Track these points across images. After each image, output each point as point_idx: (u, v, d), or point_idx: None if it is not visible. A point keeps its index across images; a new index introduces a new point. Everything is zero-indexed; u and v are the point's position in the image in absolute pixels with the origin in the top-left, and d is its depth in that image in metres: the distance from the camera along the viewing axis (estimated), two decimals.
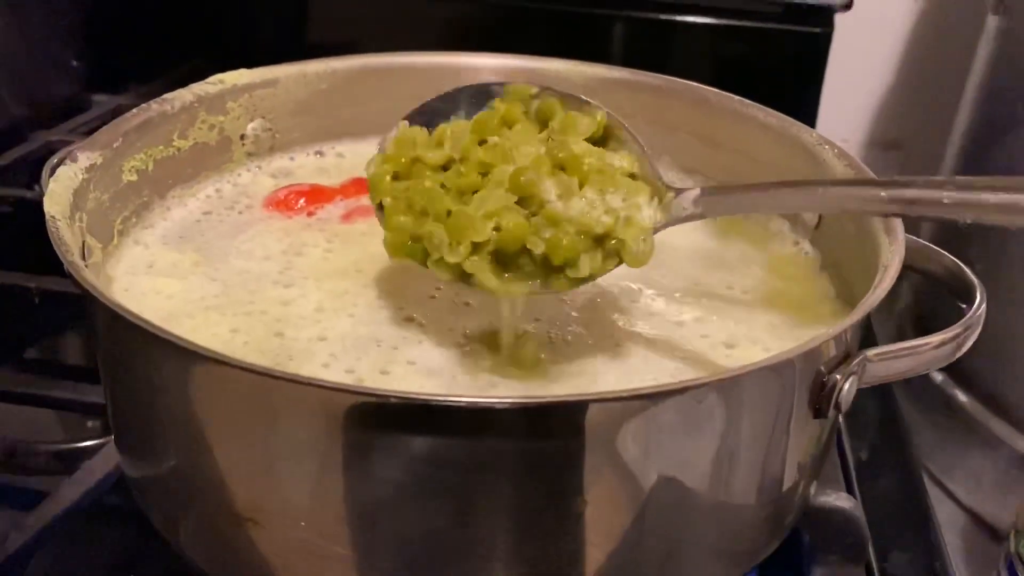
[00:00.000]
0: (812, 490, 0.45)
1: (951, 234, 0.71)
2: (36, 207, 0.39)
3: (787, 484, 0.40)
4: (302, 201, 0.52)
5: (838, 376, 0.37)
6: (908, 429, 0.60)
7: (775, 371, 0.35)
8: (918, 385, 0.77)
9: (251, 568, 0.37)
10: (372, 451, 0.33)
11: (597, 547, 0.36)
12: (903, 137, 0.98)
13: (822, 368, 0.37)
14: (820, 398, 0.37)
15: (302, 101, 0.55)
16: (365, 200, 0.49)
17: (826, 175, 0.49)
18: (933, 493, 0.63)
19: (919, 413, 0.78)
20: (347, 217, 0.52)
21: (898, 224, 0.42)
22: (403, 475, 0.33)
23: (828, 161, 0.49)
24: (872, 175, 0.46)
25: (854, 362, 0.37)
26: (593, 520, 0.35)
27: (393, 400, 0.31)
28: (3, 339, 0.62)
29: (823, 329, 0.37)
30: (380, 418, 0.32)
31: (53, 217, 0.39)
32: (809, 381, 0.37)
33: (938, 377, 0.79)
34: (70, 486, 0.46)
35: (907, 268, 0.44)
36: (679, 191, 0.41)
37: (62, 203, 0.40)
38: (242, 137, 0.54)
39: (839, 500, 0.47)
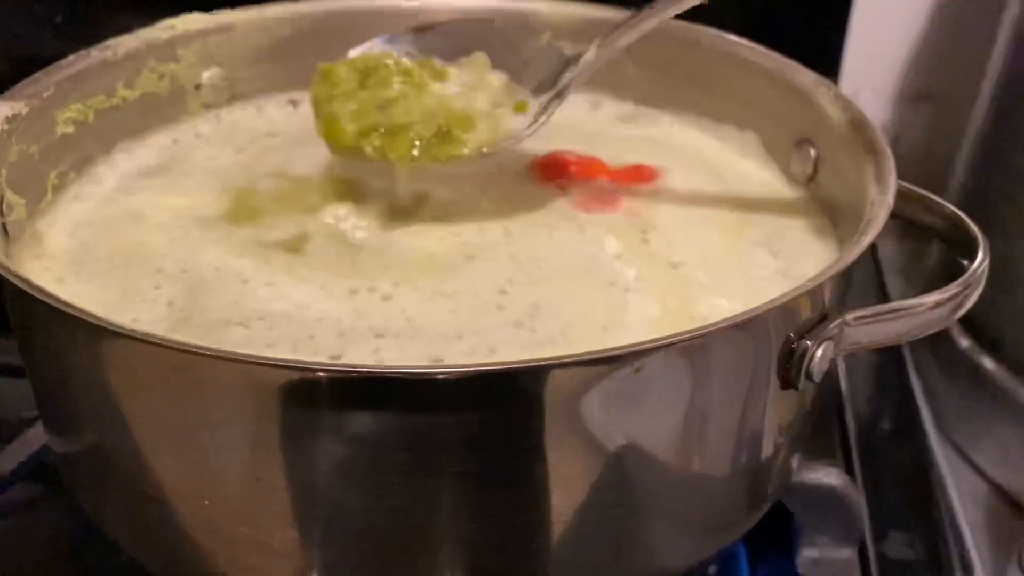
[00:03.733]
0: (795, 463, 0.41)
1: (978, 190, 0.66)
2: None
3: (763, 455, 0.36)
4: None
5: (809, 342, 0.33)
6: (919, 399, 0.55)
7: (742, 330, 0.31)
8: (942, 351, 0.72)
9: (166, 549, 0.34)
10: (286, 428, 0.30)
11: (560, 523, 0.32)
12: (933, 89, 0.92)
13: (791, 334, 0.33)
14: (788, 367, 0.33)
15: (263, 48, 0.52)
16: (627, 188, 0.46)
17: (822, 122, 0.44)
18: (957, 465, 0.59)
19: (943, 380, 0.74)
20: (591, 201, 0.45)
21: (889, 172, 0.37)
22: (326, 455, 0.30)
23: (825, 107, 0.45)
24: (869, 120, 0.42)
25: (830, 326, 0.33)
26: (554, 494, 0.31)
27: (321, 374, 0.28)
28: None
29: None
30: (301, 394, 0.29)
31: None
32: (778, 347, 0.32)
33: (964, 343, 0.74)
34: (6, 456, 0.44)
35: (901, 219, 0.40)
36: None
37: None
38: (197, 87, 0.51)
39: (829, 476, 0.43)
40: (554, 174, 0.47)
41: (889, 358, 0.58)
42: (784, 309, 0.31)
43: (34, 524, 0.46)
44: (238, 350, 0.28)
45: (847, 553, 0.44)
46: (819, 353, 0.33)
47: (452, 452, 0.30)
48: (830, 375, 0.41)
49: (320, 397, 0.28)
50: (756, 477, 0.37)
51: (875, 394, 0.55)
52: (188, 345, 0.28)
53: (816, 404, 0.39)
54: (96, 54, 0.46)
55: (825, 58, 0.75)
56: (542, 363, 0.29)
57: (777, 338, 0.32)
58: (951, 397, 0.75)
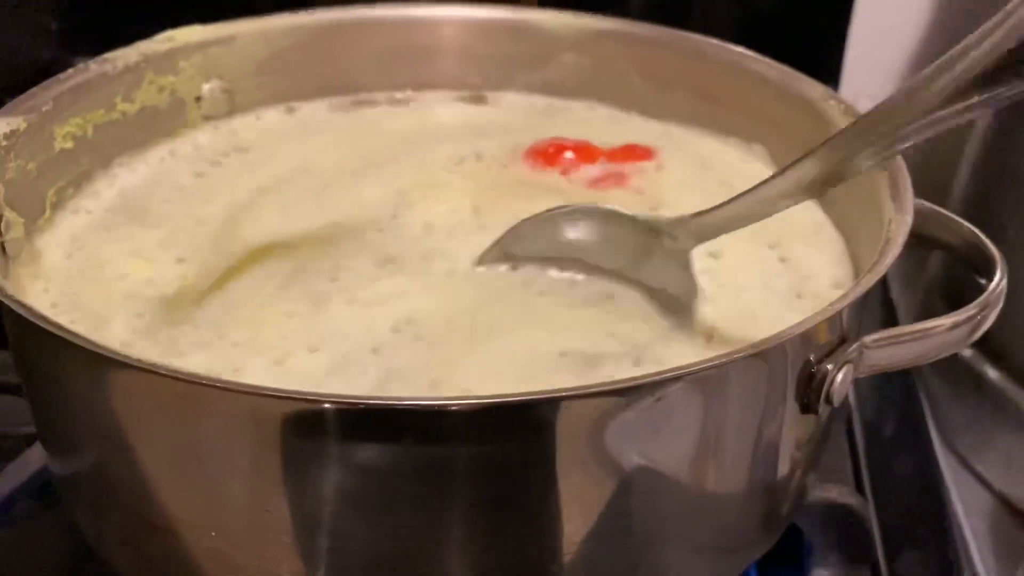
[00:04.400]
0: (809, 483, 0.40)
1: (981, 196, 0.66)
2: None
3: (780, 478, 0.36)
4: (567, 155, 0.47)
5: (829, 366, 0.32)
6: (926, 413, 0.55)
7: (759, 359, 0.31)
8: (945, 360, 0.72)
9: None
10: (295, 460, 0.29)
11: (573, 551, 0.31)
12: None
13: (811, 357, 0.32)
14: (808, 391, 0.32)
15: (263, 60, 0.51)
16: (628, 167, 0.47)
17: (831, 133, 0.44)
18: (961, 476, 0.59)
19: (946, 390, 0.73)
20: (597, 182, 0.46)
21: (906, 189, 0.37)
22: (334, 486, 0.29)
23: (835, 120, 0.44)
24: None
25: (849, 349, 0.33)
26: (563, 528, 0.31)
27: (327, 406, 0.27)
28: None
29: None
30: (307, 426, 0.28)
31: None
32: (797, 372, 0.32)
33: (967, 352, 0.74)
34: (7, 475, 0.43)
35: (918, 238, 0.40)
36: None
37: None
38: (197, 99, 0.50)
39: (841, 495, 0.43)
40: (551, 160, 0.47)
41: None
42: (803, 335, 0.31)
43: (33, 539, 0.46)
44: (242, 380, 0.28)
45: (860, 572, 0.43)
46: (839, 377, 0.32)
47: (465, 483, 0.29)
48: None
49: (328, 429, 0.28)
50: (772, 500, 0.37)
51: (882, 408, 0.54)
52: (193, 376, 0.27)
53: (830, 427, 0.39)
54: (95, 67, 0.45)
55: (825, 66, 0.74)
56: (556, 395, 0.28)
57: (796, 363, 0.32)
58: (954, 407, 0.75)
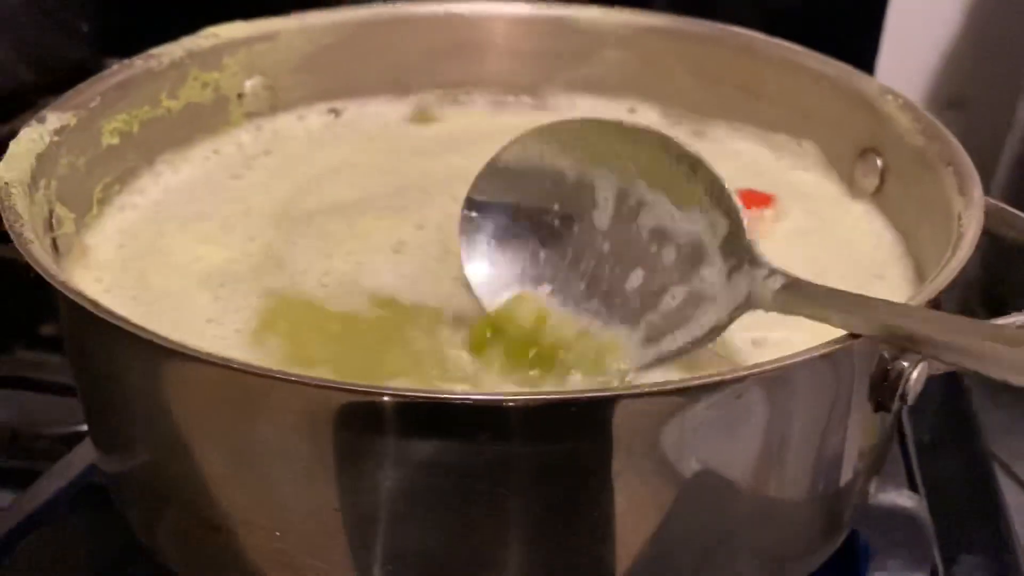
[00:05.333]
0: (872, 488, 0.39)
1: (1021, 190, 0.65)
2: None
3: (842, 485, 0.35)
4: None
5: (906, 363, 0.31)
6: (976, 413, 0.54)
7: (829, 360, 0.30)
8: None
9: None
10: (356, 456, 0.28)
11: (630, 557, 0.31)
12: (968, 96, 0.91)
13: (885, 354, 0.31)
14: (883, 389, 0.31)
15: (305, 56, 0.51)
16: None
17: (889, 131, 0.43)
18: (1007, 487, 0.58)
19: (985, 393, 0.72)
20: None
21: (975, 183, 0.36)
22: (395, 483, 0.28)
23: (893, 115, 0.43)
24: (944, 130, 0.41)
25: None
26: (620, 531, 0.30)
27: (387, 399, 0.27)
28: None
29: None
30: (368, 419, 0.27)
31: (7, 183, 0.34)
32: (870, 369, 0.31)
33: None
34: (52, 475, 0.43)
35: (985, 234, 0.39)
36: None
37: (21, 168, 0.36)
38: (239, 96, 0.49)
39: (900, 498, 0.42)
40: None
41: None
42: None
43: (77, 539, 0.45)
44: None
45: None
46: (915, 374, 0.31)
47: (524, 482, 0.28)
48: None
49: (387, 422, 0.27)
50: (836, 503, 0.36)
51: (932, 410, 0.53)
52: (255, 368, 0.27)
53: (894, 429, 0.38)
54: (140, 63, 0.45)
55: (859, 65, 0.73)
56: (615, 393, 0.28)
57: (870, 360, 0.31)
58: (993, 410, 0.74)
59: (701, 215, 0.34)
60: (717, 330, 0.33)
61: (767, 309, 0.32)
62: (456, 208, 0.41)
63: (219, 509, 0.31)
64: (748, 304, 0.32)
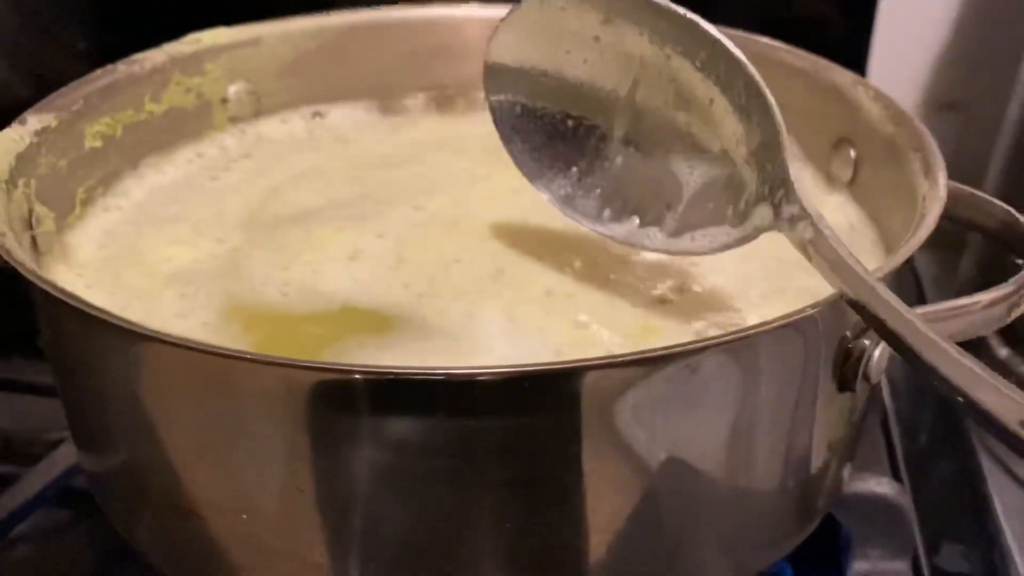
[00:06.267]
0: (845, 474, 0.39)
1: (1015, 180, 0.65)
2: None
3: (813, 465, 0.35)
4: None
5: (867, 341, 0.31)
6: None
7: (794, 330, 0.30)
8: (981, 360, 0.70)
9: (201, 566, 0.33)
10: (322, 435, 0.29)
11: (599, 537, 0.31)
12: (962, 98, 0.91)
13: (847, 333, 0.31)
14: (845, 368, 0.32)
15: (288, 62, 0.51)
16: None
17: (861, 121, 0.43)
18: (996, 477, 0.58)
19: None
20: None
21: (938, 164, 0.36)
22: (362, 462, 0.29)
23: (865, 105, 0.44)
24: (911, 117, 0.41)
25: None
26: (587, 512, 0.30)
27: (357, 376, 0.27)
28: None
29: None
30: (338, 397, 0.28)
31: None
32: (833, 347, 0.31)
33: (1002, 352, 0.73)
34: (33, 477, 0.43)
35: (954, 220, 0.39)
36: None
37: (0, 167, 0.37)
38: (223, 101, 0.50)
39: (880, 486, 0.42)
40: None
41: None
42: (836, 306, 0.30)
43: (60, 550, 0.46)
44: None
45: (900, 566, 0.42)
46: (876, 353, 0.31)
47: (497, 458, 0.29)
48: (873, 392, 0.40)
49: (358, 399, 0.27)
50: (808, 486, 0.36)
51: (917, 401, 0.53)
52: (223, 349, 0.27)
53: (866, 412, 0.38)
54: (123, 68, 0.46)
55: (850, 68, 0.74)
56: (584, 364, 0.27)
57: (832, 337, 0.31)
58: None
59: (736, 122, 0.34)
60: (736, 244, 0.34)
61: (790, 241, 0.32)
62: (417, 216, 0.43)
63: (190, 494, 0.31)
64: (768, 229, 0.33)
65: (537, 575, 0.31)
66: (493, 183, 0.47)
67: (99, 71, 0.45)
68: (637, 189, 0.36)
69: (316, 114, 0.53)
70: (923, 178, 0.37)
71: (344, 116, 0.53)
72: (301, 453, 0.29)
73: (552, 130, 0.38)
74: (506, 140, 0.39)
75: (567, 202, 0.38)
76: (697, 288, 0.39)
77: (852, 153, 0.44)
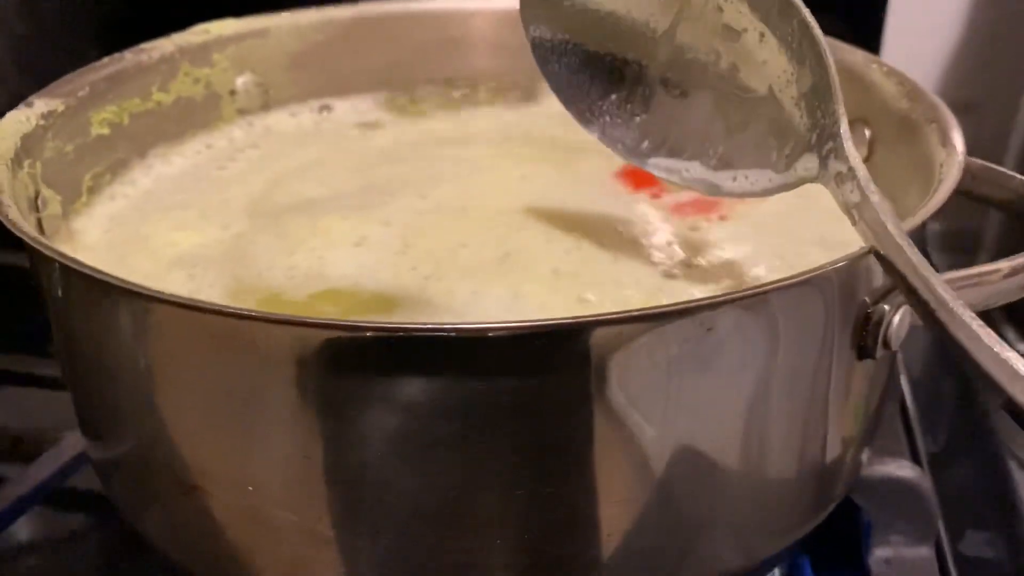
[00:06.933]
0: (864, 457, 0.39)
1: None
2: None
3: (832, 439, 0.34)
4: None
5: (886, 306, 0.31)
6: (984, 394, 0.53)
7: (812, 287, 0.29)
8: None
9: (208, 546, 0.32)
10: (329, 398, 0.28)
11: (612, 508, 0.30)
12: (976, 100, 0.90)
13: (867, 298, 0.31)
14: (865, 334, 0.31)
15: (296, 54, 0.51)
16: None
17: (876, 99, 0.43)
18: (1019, 462, 0.57)
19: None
20: (680, 208, 0.42)
21: (955, 132, 0.36)
22: (369, 426, 0.28)
23: (878, 83, 0.43)
24: (925, 90, 0.40)
25: None
26: (605, 473, 0.29)
27: (369, 334, 0.26)
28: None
29: None
30: (348, 357, 0.27)
31: None
32: (852, 312, 0.31)
33: (1021, 348, 0.72)
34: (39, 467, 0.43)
35: (970, 196, 0.38)
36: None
37: (4, 145, 0.36)
38: (232, 93, 0.50)
39: (900, 469, 0.41)
40: (644, 182, 0.44)
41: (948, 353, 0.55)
42: (855, 268, 0.29)
43: (72, 556, 0.45)
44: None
45: (923, 552, 0.41)
46: (896, 319, 0.31)
47: (508, 421, 0.28)
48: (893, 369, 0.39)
49: (369, 360, 0.27)
50: (826, 462, 0.35)
51: (936, 391, 0.52)
52: (233, 308, 0.27)
53: (885, 391, 0.37)
54: (131, 57, 0.46)
55: (864, 37, 0.73)
56: (596, 319, 0.27)
57: (851, 301, 0.30)
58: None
59: (787, 61, 0.33)
60: (778, 190, 0.33)
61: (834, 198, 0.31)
62: (422, 204, 0.42)
63: (196, 468, 0.31)
64: (812, 180, 0.32)
65: (549, 546, 0.30)
66: (500, 173, 0.46)
67: (106, 59, 0.45)
68: (677, 125, 0.35)
69: (324, 107, 0.53)
70: (940, 148, 0.36)
71: (351, 109, 0.53)
72: (309, 418, 0.28)
73: (591, 64, 0.37)
74: (542, 63, 0.38)
75: (604, 131, 0.37)
76: (704, 265, 0.38)
77: (867, 132, 0.44)
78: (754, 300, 0.27)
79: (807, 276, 0.28)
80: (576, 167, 0.46)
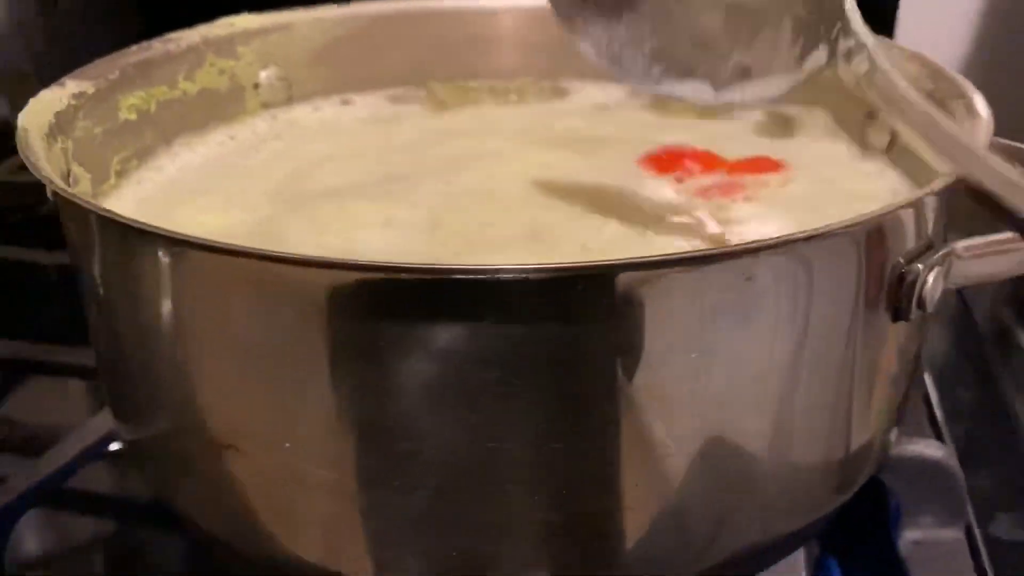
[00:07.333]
0: (892, 437, 0.38)
1: None
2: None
3: (864, 404, 0.34)
4: (689, 164, 0.44)
5: (920, 266, 0.31)
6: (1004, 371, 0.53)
7: (848, 239, 0.29)
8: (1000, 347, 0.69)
9: (242, 512, 0.32)
10: (369, 344, 0.28)
11: (644, 458, 0.30)
12: (989, 89, 0.90)
13: (900, 259, 0.31)
14: (900, 294, 0.31)
15: (318, 49, 0.52)
16: (746, 178, 0.44)
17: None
18: None
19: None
20: (706, 192, 0.43)
21: (983, 103, 0.36)
22: (406, 376, 0.28)
23: (901, 67, 0.43)
24: (947, 70, 0.41)
25: (939, 253, 0.31)
26: (638, 423, 0.29)
27: (404, 276, 0.26)
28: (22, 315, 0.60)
29: None
30: (385, 301, 0.27)
31: (26, 129, 0.35)
32: (886, 271, 0.31)
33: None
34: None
35: None
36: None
37: (39, 121, 0.37)
38: (255, 86, 0.50)
39: (929, 449, 0.40)
40: (669, 167, 0.45)
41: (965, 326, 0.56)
42: (888, 223, 0.30)
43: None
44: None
45: (954, 534, 0.41)
46: (930, 279, 0.31)
47: (545, 369, 0.28)
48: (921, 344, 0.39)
49: (406, 303, 0.27)
50: (858, 436, 0.35)
51: (957, 367, 0.52)
52: (269, 252, 0.27)
53: (916, 364, 0.37)
54: (158, 45, 0.46)
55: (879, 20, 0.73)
56: (636, 261, 0.26)
57: (886, 259, 0.30)
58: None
59: None
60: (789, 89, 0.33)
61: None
62: (447, 189, 0.42)
63: (229, 425, 0.31)
64: (824, 69, 0.32)
65: (583, 503, 0.29)
66: (523, 160, 0.47)
67: (134, 47, 0.45)
68: (688, 42, 0.35)
69: (345, 102, 0.53)
70: (967, 118, 0.36)
71: (372, 104, 0.54)
72: (345, 368, 0.28)
73: None
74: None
75: (615, 61, 0.37)
76: (732, 243, 0.38)
77: None
78: (794, 248, 0.27)
79: (846, 225, 0.28)
80: (600, 155, 0.47)
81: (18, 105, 0.39)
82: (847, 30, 0.31)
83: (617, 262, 0.26)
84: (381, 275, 0.26)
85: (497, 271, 0.26)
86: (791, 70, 0.32)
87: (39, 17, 0.75)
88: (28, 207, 0.69)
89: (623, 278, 0.26)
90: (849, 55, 0.31)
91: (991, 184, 0.27)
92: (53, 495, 0.42)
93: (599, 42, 0.37)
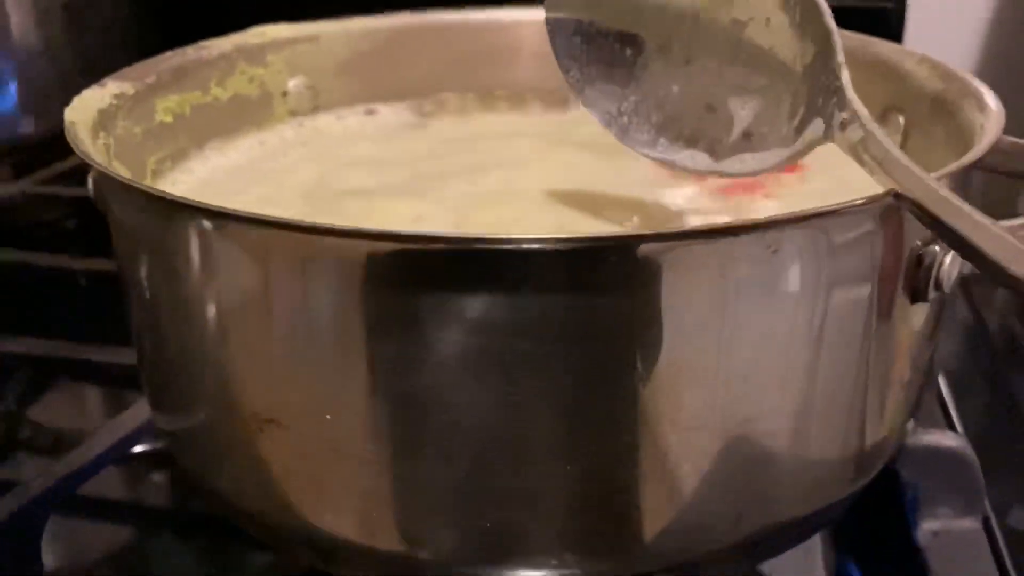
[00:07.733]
0: (909, 427, 0.39)
1: None
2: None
3: (884, 385, 0.34)
4: None
5: (936, 248, 0.32)
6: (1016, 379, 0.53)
7: (872, 218, 0.30)
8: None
9: (281, 489, 0.33)
10: (408, 315, 0.29)
11: (674, 431, 0.31)
12: (997, 90, 0.90)
13: (918, 241, 0.32)
14: (918, 276, 0.32)
15: (344, 61, 0.54)
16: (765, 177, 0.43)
17: (909, 86, 0.45)
18: None
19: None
20: (726, 191, 0.44)
21: (993, 99, 0.37)
22: (448, 348, 0.29)
23: (911, 71, 0.45)
24: (959, 71, 0.42)
25: None
26: (670, 396, 0.30)
27: (441, 245, 0.27)
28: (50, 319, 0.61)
29: None
30: (423, 271, 0.28)
31: (73, 122, 0.37)
32: (905, 252, 0.32)
33: None
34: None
35: (1006, 174, 0.40)
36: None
37: (85, 115, 0.38)
38: (284, 94, 0.52)
39: (945, 438, 0.41)
40: None
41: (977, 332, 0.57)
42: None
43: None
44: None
45: (972, 524, 0.41)
46: (948, 259, 0.32)
47: (580, 340, 0.29)
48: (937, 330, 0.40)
49: (442, 273, 0.28)
50: (878, 416, 0.36)
51: (968, 361, 0.53)
52: (308, 223, 0.28)
53: (933, 351, 0.38)
54: (192, 52, 0.48)
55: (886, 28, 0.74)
56: (669, 232, 0.28)
57: (903, 240, 0.32)
58: None
59: (791, 34, 0.34)
60: (788, 162, 0.34)
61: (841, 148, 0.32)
62: (473, 189, 0.43)
63: (269, 399, 0.32)
64: (821, 142, 0.33)
65: (615, 475, 0.30)
66: (545, 163, 0.48)
67: (169, 52, 0.47)
68: (692, 117, 0.37)
69: (370, 111, 0.55)
70: (978, 114, 0.37)
71: (396, 113, 0.55)
72: (383, 338, 0.29)
73: (608, 54, 0.39)
74: (565, 69, 0.40)
75: (624, 130, 0.39)
76: None
77: (900, 120, 0.45)
78: (819, 222, 0.29)
79: (869, 200, 0.29)
80: (622, 156, 0.48)
81: (44, 123, 0.41)
82: (842, 103, 0.32)
83: (644, 233, 0.28)
84: (416, 245, 0.27)
85: (522, 240, 0.27)
86: (789, 143, 0.34)
87: (66, 35, 0.76)
88: (54, 221, 0.70)
89: (649, 249, 0.27)
90: (844, 125, 0.32)
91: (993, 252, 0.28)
92: (70, 500, 0.43)
93: (609, 113, 0.40)
